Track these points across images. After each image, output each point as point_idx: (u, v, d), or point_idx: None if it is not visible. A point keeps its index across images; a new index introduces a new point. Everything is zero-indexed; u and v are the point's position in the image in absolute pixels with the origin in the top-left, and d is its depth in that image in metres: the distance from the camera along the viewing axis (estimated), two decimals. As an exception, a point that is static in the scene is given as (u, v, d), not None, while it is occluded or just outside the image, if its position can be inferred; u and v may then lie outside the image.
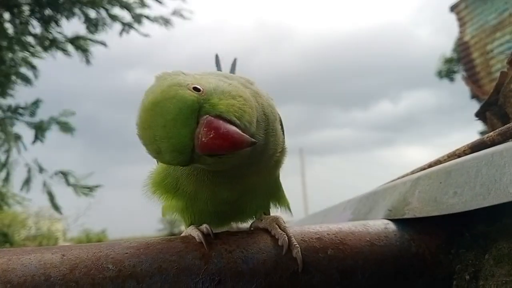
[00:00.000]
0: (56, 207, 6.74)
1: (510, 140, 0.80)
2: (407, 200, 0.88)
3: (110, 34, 6.76)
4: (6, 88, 6.28)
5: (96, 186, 6.82)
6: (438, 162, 1.02)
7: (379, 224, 0.83)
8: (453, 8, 9.85)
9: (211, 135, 0.60)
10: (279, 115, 0.79)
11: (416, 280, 0.78)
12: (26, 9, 6.37)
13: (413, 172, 1.10)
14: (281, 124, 0.80)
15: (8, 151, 6.45)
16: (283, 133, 0.81)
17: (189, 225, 0.78)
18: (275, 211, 0.87)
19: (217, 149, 0.61)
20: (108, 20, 6.66)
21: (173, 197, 0.79)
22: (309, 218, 2.19)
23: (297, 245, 0.72)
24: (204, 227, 0.73)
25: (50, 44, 6.52)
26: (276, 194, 0.86)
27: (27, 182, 6.56)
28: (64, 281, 0.61)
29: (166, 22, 6.85)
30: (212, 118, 0.61)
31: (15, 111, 6.59)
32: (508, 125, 0.83)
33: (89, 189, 6.74)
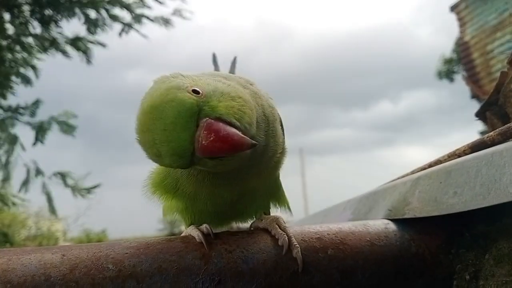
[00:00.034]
0: (53, 210, 6.76)
1: (510, 140, 0.80)
2: (407, 200, 0.88)
3: (110, 34, 6.77)
4: (6, 88, 6.28)
5: (94, 187, 6.84)
6: (438, 162, 1.02)
7: (379, 224, 0.83)
8: (453, 8, 9.85)
9: (211, 138, 0.60)
10: (279, 115, 0.79)
11: (416, 280, 0.78)
12: (26, 9, 6.37)
13: (413, 172, 1.10)
14: (281, 125, 0.80)
15: (8, 152, 6.46)
16: (283, 134, 0.81)
17: (189, 225, 0.78)
18: (275, 211, 0.87)
19: (217, 152, 0.61)
20: (108, 20, 6.67)
21: (173, 198, 0.79)
22: (309, 218, 2.19)
23: (297, 245, 0.72)
24: (204, 227, 0.73)
25: (50, 44, 6.52)
26: (276, 194, 0.86)
27: (25, 183, 6.57)
28: (64, 281, 0.61)
29: (166, 22, 6.86)
30: (212, 120, 0.61)
31: (15, 111, 6.60)
32: (508, 124, 0.83)
33: (87, 190, 6.75)
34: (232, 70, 1.07)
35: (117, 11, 6.68)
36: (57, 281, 0.61)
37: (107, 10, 6.57)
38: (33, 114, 6.75)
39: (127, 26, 6.73)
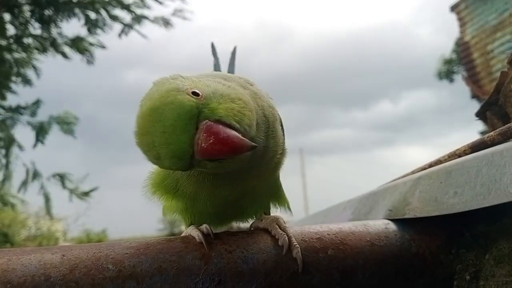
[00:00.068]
0: (49, 211, 6.78)
1: (511, 140, 0.80)
2: (408, 200, 0.88)
3: (110, 33, 6.78)
4: (6, 89, 6.28)
5: (92, 190, 6.85)
6: (438, 162, 1.02)
7: (379, 224, 0.83)
8: (453, 8, 9.85)
9: (211, 141, 0.59)
10: (279, 115, 0.79)
11: (416, 280, 0.78)
12: (26, 9, 6.37)
13: (413, 172, 1.10)
14: (281, 125, 0.80)
15: (7, 153, 6.47)
16: (283, 134, 0.81)
17: (189, 225, 0.78)
18: (275, 211, 0.86)
19: (217, 155, 0.60)
20: (108, 20, 6.67)
21: (173, 198, 0.79)
22: (310, 218, 2.19)
23: (297, 245, 0.72)
24: (204, 227, 0.73)
25: (50, 45, 6.52)
26: (276, 194, 0.86)
27: (24, 183, 6.58)
28: (64, 281, 0.61)
29: (166, 23, 6.85)
30: (212, 123, 0.61)
31: (15, 111, 6.60)
32: (508, 124, 0.83)
33: (85, 194, 6.77)
34: (232, 60, 1.06)
35: (117, 11, 6.69)
36: (57, 281, 0.61)
37: (107, 11, 6.57)
38: (33, 114, 6.75)
39: (127, 27, 6.73)
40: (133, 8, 6.66)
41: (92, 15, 6.55)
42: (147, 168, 0.80)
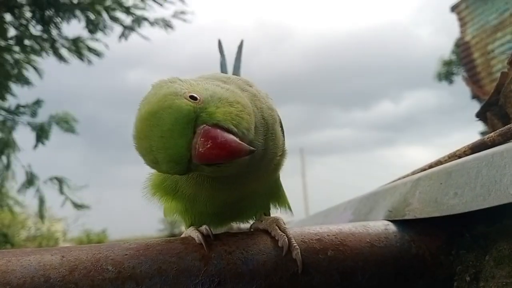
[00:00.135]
0: (41, 215, 6.81)
1: (511, 140, 0.80)
2: (408, 201, 0.88)
3: (111, 34, 6.78)
4: (5, 90, 6.28)
5: (86, 206, 6.92)
6: (438, 162, 1.02)
7: (379, 225, 0.83)
8: (453, 8, 9.85)
9: (208, 145, 0.59)
10: (278, 117, 0.79)
11: (416, 281, 0.78)
12: (27, 10, 6.37)
13: (413, 173, 1.10)
14: (281, 126, 0.80)
15: (8, 155, 6.48)
16: (283, 135, 0.80)
17: (189, 226, 0.78)
18: (275, 212, 0.86)
19: (214, 159, 0.60)
20: (109, 21, 6.67)
21: (172, 199, 0.78)
22: (310, 218, 2.19)
23: (297, 246, 0.72)
24: (204, 228, 0.73)
25: (50, 46, 6.52)
26: (276, 195, 0.86)
27: (23, 185, 6.60)
28: (63, 283, 0.61)
29: (166, 25, 6.85)
30: (209, 127, 0.61)
31: (16, 111, 6.60)
32: (508, 125, 0.83)
33: (79, 206, 6.83)
34: (239, 54, 1.06)
35: (117, 13, 6.68)
36: (57, 283, 0.61)
37: (107, 12, 6.57)
38: (34, 114, 6.76)
39: (127, 30, 6.73)
40: (133, 10, 6.65)
41: (92, 16, 6.55)
42: (147, 169, 0.80)
